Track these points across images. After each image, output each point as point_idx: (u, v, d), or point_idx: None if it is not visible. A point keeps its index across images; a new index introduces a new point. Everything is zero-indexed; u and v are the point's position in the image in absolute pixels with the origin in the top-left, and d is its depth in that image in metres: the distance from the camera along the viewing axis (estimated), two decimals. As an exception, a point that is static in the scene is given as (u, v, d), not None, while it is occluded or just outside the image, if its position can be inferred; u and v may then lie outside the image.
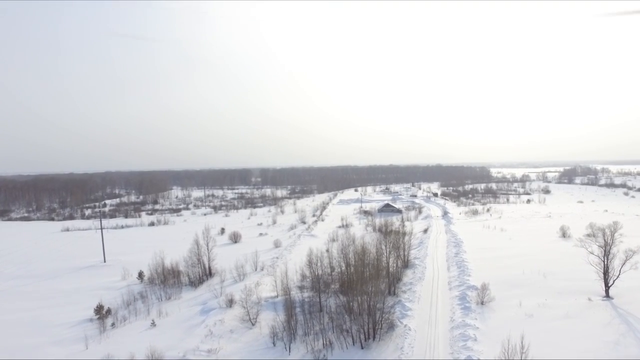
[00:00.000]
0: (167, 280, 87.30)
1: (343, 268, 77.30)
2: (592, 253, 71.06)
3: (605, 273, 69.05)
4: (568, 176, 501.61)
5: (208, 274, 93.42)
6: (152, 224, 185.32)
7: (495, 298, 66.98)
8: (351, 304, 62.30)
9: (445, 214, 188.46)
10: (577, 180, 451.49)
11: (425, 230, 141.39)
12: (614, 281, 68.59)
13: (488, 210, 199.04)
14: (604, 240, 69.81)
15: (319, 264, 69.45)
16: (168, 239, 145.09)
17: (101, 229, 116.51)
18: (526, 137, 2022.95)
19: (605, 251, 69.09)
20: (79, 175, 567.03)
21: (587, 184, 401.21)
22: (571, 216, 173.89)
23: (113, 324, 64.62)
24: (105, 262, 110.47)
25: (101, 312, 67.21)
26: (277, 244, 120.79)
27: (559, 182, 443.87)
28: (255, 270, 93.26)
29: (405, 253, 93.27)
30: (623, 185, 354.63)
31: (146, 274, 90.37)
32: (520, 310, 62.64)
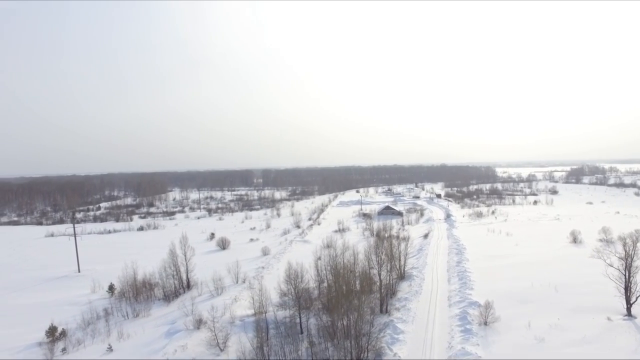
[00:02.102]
0: (139, 294, 79.67)
1: (330, 281, 69.31)
2: (611, 265, 62.56)
3: (627, 289, 60.45)
4: (575, 176, 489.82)
5: (186, 286, 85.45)
6: (141, 228, 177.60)
7: (501, 317, 58.51)
8: (336, 325, 54.35)
9: (448, 216, 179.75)
10: (585, 179, 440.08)
11: (426, 235, 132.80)
12: (637, 298, 60.02)
13: (493, 212, 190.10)
14: (625, 251, 61.24)
15: (300, 279, 61.14)
16: (154, 245, 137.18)
17: (74, 235, 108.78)
18: (532, 135, 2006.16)
19: (626, 264, 60.54)
20: (77, 177, 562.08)
21: (596, 183, 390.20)
22: (581, 219, 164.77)
23: (64, 349, 56.66)
24: (79, 272, 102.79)
25: (53, 335, 59.40)
26: (265, 252, 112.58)
27: (567, 182, 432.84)
28: (237, 282, 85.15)
29: (402, 263, 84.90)
30: (633, 185, 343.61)
31: (118, 286, 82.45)
32: (530, 333, 54.19)
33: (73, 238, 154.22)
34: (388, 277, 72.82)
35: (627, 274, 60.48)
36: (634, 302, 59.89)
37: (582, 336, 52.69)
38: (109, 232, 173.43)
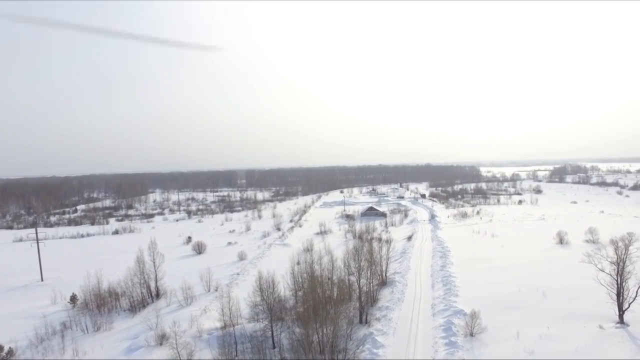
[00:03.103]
0: (104, 304, 74.14)
1: (307, 289, 64.84)
2: (602, 270, 59.08)
3: (619, 295, 57.04)
4: (559, 175, 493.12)
5: (155, 295, 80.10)
6: (116, 232, 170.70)
7: (488, 328, 54.52)
8: (310, 338, 49.88)
9: (432, 217, 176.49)
10: (568, 179, 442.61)
11: (410, 237, 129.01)
12: (629, 304, 56.64)
13: (478, 212, 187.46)
14: (617, 255, 57.80)
15: (271, 289, 56.47)
16: (127, 249, 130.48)
17: (37, 241, 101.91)
18: (515, 135, 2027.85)
19: (618, 269, 57.11)
20: (56, 178, 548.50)
21: (579, 182, 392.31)
22: (566, 218, 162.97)
23: (10, 371, 51.21)
24: (42, 280, 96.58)
25: None
26: (241, 256, 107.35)
27: (550, 181, 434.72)
28: (208, 290, 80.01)
29: (383, 268, 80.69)
30: (615, 184, 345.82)
31: (81, 296, 76.68)
32: (519, 345, 50.34)
33: (44, 243, 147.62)
34: (368, 285, 68.54)
35: (619, 280, 57.08)
36: (627, 309, 56.56)
37: (574, 347, 49.04)
38: (82, 236, 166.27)
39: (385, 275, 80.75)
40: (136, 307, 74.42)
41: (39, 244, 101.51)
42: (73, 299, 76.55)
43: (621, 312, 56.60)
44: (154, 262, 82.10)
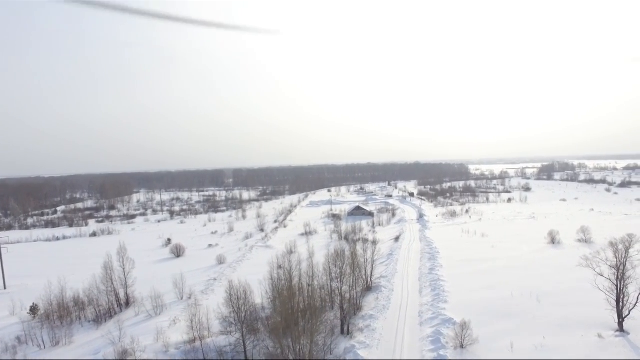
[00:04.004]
0: (67, 315, 68.60)
1: (283, 298, 60.04)
2: (601, 275, 55.06)
3: (619, 301, 53.08)
4: (547, 172, 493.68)
5: (124, 304, 74.66)
6: (94, 234, 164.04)
7: (479, 338, 50.16)
8: (286, 354, 45.16)
9: (420, 216, 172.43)
10: (557, 176, 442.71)
11: (397, 238, 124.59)
12: (630, 311, 52.70)
13: (467, 211, 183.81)
14: (617, 258, 53.77)
15: (244, 300, 51.51)
16: (102, 253, 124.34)
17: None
18: (502, 133, 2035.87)
19: (618, 273, 53.10)
20: (40, 179, 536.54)
21: (567, 180, 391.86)
22: (556, 217, 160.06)
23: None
24: (5, 288, 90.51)
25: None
26: (220, 260, 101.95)
27: (539, 179, 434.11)
28: (181, 298, 74.68)
29: (368, 272, 76.12)
30: (603, 181, 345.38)
31: (43, 306, 70.91)
32: (513, 357, 46.20)
33: (16, 246, 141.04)
34: (351, 291, 63.87)
35: (619, 285, 53.13)
36: (627, 316, 52.63)
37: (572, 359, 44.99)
38: (58, 238, 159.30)
39: (371, 280, 76.22)
40: (102, 317, 68.99)
41: (2, 248, 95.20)
42: (33, 309, 70.68)
43: (621, 319, 52.71)
44: (123, 268, 76.63)
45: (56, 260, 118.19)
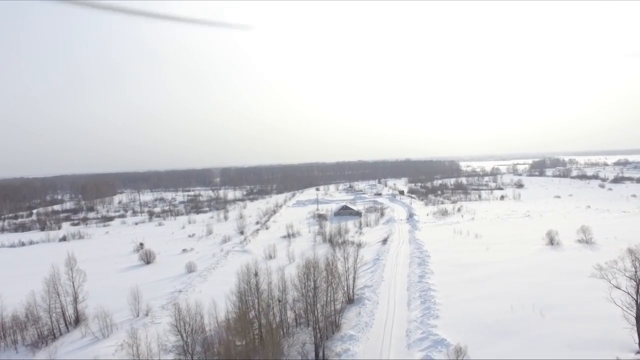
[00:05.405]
0: (3, 337, 59.56)
1: (253, 316, 51.59)
2: (617, 287, 46.97)
3: (639, 318, 45.14)
4: (538, 168, 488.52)
5: (73, 322, 65.52)
6: (63, 238, 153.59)
7: (477, 366, 41.88)
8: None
9: (410, 216, 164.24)
10: (549, 172, 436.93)
11: (385, 240, 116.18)
12: (652, 330, 44.78)
13: (459, 209, 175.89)
14: (635, 268, 45.75)
15: (193, 328, 42.78)
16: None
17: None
18: (493, 129, 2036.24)
19: (639, 287, 45.06)
20: (23, 179, 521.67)
21: (559, 175, 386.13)
22: (552, 214, 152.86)
23: None
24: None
25: None
26: (190, 268, 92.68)
27: (530, 175, 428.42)
28: (137, 315, 65.51)
29: (350, 283, 67.57)
30: (596, 177, 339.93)
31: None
32: (518, 393, 37.99)
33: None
34: (329, 307, 55.34)
35: (638, 299, 45.13)
36: (648, 334, 44.72)
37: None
38: (23, 244, 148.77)
39: (352, 292, 67.66)
40: (44, 340, 59.89)
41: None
42: (-37, 331, 61.33)
43: (642, 338, 44.83)
44: (72, 282, 67.50)
45: (12, 270, 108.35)
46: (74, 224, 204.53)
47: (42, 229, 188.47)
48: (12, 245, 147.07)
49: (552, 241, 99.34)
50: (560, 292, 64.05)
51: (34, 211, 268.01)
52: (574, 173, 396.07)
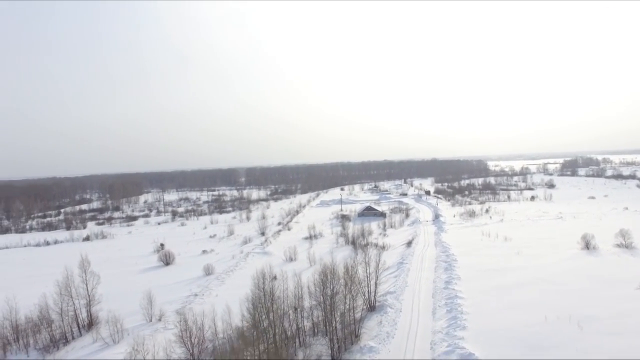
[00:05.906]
0: (16, 340, 58.50)
1: (266, 325, 48.75)
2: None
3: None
4: (570, 168, 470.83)
5: (86, 325, 64.08)
6: (87, 238, 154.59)
7: (509, 387, 37.88)
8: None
9: (436, 217, 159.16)
10: (581, 172, 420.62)
11: (410, 243, 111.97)
12: None
13: (487, 210, 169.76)
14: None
15: (200, 339, 40.15)
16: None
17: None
18: (521, 128, 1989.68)
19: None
20: (55, 179, 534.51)
21: (593, 175, 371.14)
22: (587, 217, 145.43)
23: None
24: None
25: None
26: (207, 271, 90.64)
27: (562, 175, 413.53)
28: (149, 320, 63.56)
29: (372, 289, 64.06)
30: (633, 177, 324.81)
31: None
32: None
33: (2, 252, 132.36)
34: (348, 315, 52.09)
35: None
36: None
37: None
38: (48, 243, 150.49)
39: (374, 298, 64.08)
40: (55, 344, 58.52)
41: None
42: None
43: (697, 359, 40.01)
44: (86, 285, 66.12)
45: (34, 269, 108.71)
46: (98, 224, 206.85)
47: (68, 229, 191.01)
48: (38, 245, 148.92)
49: (587, 245, 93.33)
50: (600, 302, 58.95)
51: (62, 210, 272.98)
52: (609, 173, 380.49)
